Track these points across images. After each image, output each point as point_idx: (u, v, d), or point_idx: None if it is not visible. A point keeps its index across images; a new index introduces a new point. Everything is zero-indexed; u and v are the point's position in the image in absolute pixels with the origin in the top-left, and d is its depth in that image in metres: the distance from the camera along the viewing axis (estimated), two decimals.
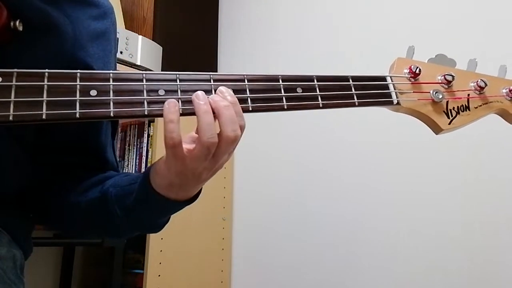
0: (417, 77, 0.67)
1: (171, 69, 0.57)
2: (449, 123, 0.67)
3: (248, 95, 0.58)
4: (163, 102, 0.53)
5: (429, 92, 0.67)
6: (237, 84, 0.58)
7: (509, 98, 0.71)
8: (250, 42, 2.05)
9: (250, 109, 0.57)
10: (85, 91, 0.51)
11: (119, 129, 1.77)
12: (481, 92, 0.70)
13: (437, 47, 0.76)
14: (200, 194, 0.61)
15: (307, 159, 1.72)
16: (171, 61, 1.83)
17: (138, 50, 1.66)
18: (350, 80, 0.64)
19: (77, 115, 0.50)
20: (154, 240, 1.52)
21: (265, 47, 1.98)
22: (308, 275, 1.63)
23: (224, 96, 0.54)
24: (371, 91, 0.64)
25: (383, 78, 0.66)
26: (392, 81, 0.66)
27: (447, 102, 0.68)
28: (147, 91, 0.54)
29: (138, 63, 1.65)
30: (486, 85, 0.69)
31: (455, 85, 0.69)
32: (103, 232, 0.73)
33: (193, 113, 0.53)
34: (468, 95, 0.69)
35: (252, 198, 1.85)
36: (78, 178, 0.68)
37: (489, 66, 0.74)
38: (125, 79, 0.54)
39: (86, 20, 0.68)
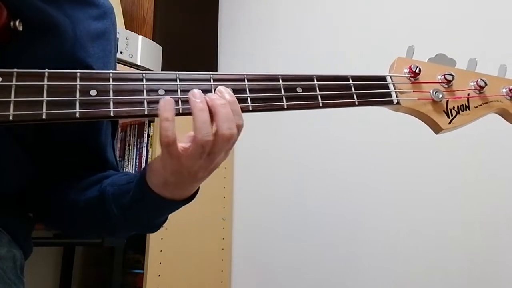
0: (417, 77, 0.67)
1: (171, 69, 0.57)
2: (449, 123, 0.67)
3: (248, 94, 0.58)
4: None
5: (429, 92, 0.67)
6: (237, 84, 0.58)
7: (509, 98, 0.71)
8: (250, 42, 2.05)
9: (250, 108, 0.57)
10: (85, 91, 0.51)
11: (119, 129, 1.77)
12: (481, 91, 0.70)
13: (437, 47, 0.76)
14: (198, 194, 0.61)
15: (307, 159, 1.71)
16: (171, 61, 1.83)
17: (138, 50, 1.66)
18: (350, 80, 0.64)
19: (77, 115, 0.50)
20: (154, 240, 1.52)
21: (265, 47, 1.98)
22: (308, 275, 1.62)
23: (223, 95, 0.54)
24: (371, 91, 0.64)
25: (383, 78, 0.66)
26: (392, 81, 0.66)
27: (447, 101, 0.68)
28: (147, 91, 0.54)
29: (138, 63, 1.65)
30: (486, 84, 0.69)
31: (455, 85, 0.69)
32: (101, 231, 0.73)
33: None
34: (468, 94, 0.69)
35: (252, 198, 1.85)
36: (78, 178, 0.68)
37: (489, 66, 0.74)
38: (125, 79, 0.54)
39: (86, 20, 0.68)
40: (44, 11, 0.61)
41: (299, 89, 0.60)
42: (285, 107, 0.59)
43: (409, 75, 0.67)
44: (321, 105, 0.61)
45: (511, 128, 0.74)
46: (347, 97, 0.63)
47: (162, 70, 1.74)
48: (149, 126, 1.68)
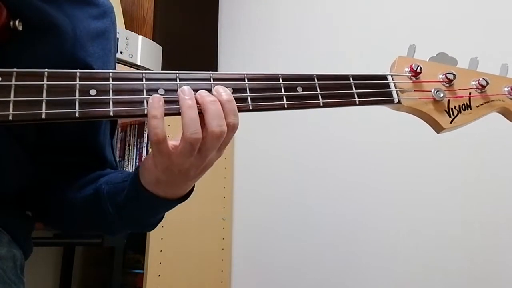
0: (418, 76, 0.67)
1: (171, 69, 0.56)
2: (451, 122, 0.66)
3: (248, 94, 0.57)
4: None
5: (430, 91, 0.67)
6: (237, 83, 0.57)
7: (511, 97, 0.71)
8: (250, 42, 2.04)
9: (250, 108, 0.57)
10: (84, 91, 0.51)
11: (119, 129, 1.77)
12: (483, 90, 0.69)
13: (437, 47, 0.75)
14: (197, 194, 0.61)
15: (307, 158, 1.71)
16: (171, 61, 1.83)
17: (138, 50, 1.66)
18: (351, 79, 0.63)
19: (77, 115, 0.50)
20: (154, 240, 1.52)
21: (265, 47, 1.98)
22: (308, 275, 1.62)
23: (219, 94, 0.54)
24: (371, 90, 0.64)
25: (384, 77, 0.66)
26: (393, 80, 0.66)
27: (449, 100, 0.67)
28: (147, 91, 0.54)
29: (138, 63, 1.65)
30: (487, 83, 0.69)
31: (456, 84, 0.68)
32: (99, 230, 0.73)
33: None
34: (470, 93, 0.69)
35: (252, 198, 1.84)
36: (77, 177, 0.68)
37: (489, 65, 0.74)
38: (124, 78, 0.54)
39: (86, 20, 0.68)
40: (43, 11, 0.61)
41: (299, 89, 0.60)
42: (286, 106, 0.59)
43: (410, 74, 0.67)
44: (321, 104, 0.61)
45: None
46: (347, 97, 0.62)
47: (162, 70, 1.74)
48: None
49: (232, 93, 0.55)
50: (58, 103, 0.49)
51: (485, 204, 1.31)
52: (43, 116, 0.48)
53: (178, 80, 0.55)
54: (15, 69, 0.49)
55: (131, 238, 1.59)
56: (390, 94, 0.65)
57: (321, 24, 1.80)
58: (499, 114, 0.73)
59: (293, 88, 0.60)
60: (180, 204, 0.61)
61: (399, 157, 1.49)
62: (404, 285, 1.42)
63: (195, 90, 0.54)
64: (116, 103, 0.52)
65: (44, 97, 0.49)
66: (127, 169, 1.70)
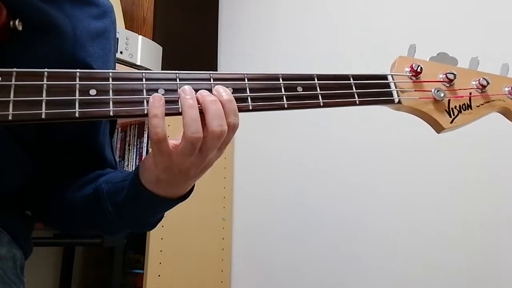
0: (419, 76, 0.67)
1: (171, 69, 0.56)
2: (451, 122, 0.66)
3: (248, 94, 0.57)
4: None
5: (431, 91, 0.67)
6: (237, 83, 0.57)
7: (511, 97, 0.70)
8: (250, 42, 2.04)
9: (250, 108, 0.57)
10: (84, 91, 0.51)
11: (119, 129, 1.77)
12: (483, 90, 0.69)
13: (437, 46, 0.75)
14: (197, 194, 0.61)
15: (307, 159, 1.71)
16: (171, 61, 1.83)
17: (138, 50, 1.66)
18: (351, 79, 0.63)
19: (77, 115, 0.50)
20: (154, 240, 1.52)
21: (265, 47, 1.98)
22: (308, 275, 1.62)
23: (219, 94, 0.54)
24: (372, 90, 0.64)
25: (384, 77, 0.66)
26: (393, 80, 0.66)
27: (449, 100, 0.67)
28: (147, 90, 0.53)
29: (138, 63, 1.65)
30: (488, 83, 0.69)
31: (456, 84, 0.68)
32: (99, 229, 0.73)
33: None
34: (470, 93, 0.69)
35: (252, 198, 1.84)
36: (76, 176, 0.68)
37: (490, 65, 0.74)
38: (124, 78, 0.54)
39: (86, 19, 0.68)
40: (43, 11, 0.61)
41: (299, 88, 0.60)
42: (286, 106, 0.59)
43: (411, 74, 0.67)
44: (321, 104, 0.60)
45: None
46: (348, 96, 0.62)
47: (162, 70, 1.74)
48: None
49: (232, 93, 0.55)
50: (58, 103, 0.49)
51: (485, 204, 1.31)
52: (43, 116, 0.48)
53: (178, 80, 0.55)
54: (15, 69, 0.49)
55: (131, 238, 1.59)
56: (390, 94, 0.65)
57: (321, 24, 1.80)
58: (500, 114, 0.73)
59: (293, 88, 0.60)
60: (180, 204, 0.61)
61: (399, 157, 1.49)
62: (404, 285, 1.42)
63: (196, 90, 0.54)
64: (116, 103, 0.52)
65: (44, 97, 0.49)
66: (127, 169, 1.70)
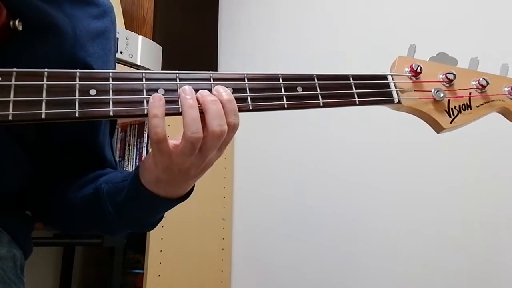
0: (418, 76, 0.67)
1: (171, 69, 0.56)
2: (451, 122, 0.66)
3: (248, 94, 0.57)
4: None
5: (431, 91, 0.67)
6: (237, 83, 0.57)
7: (511, 97, 0.70)
8: (250, 42, 2.04)
9: (250, 108, 0.57)
10: (84, 91, 0.51)
11: (119, 129, 1.77)
12: (483, 90, 0.69)
13: (437, 47, 0.75)
14: (197, 194, 0.61)
15: (307, 159, 1.71)
16: (171, 61, 1.83)
17: (138, 50, 1.66)
18: (351, 79, 0.63)
19: (77, 115, 0.50)
20: (154, 240, 1.52)
21: (265, 47, 1.98)
22: (308, 275, 1.62)
23: (219, 94, 0.54)
24: (372, 90, 0.64)
25: (384, 77, 0.66)
26: (393, 80, 0.66)
27: (449, 100, 0.67)
28: (147, 90, 0.53)
29: (138, 63, 1.65)
30: (488, 83, 0.69)
31: (456, 84, 0.68)
32: (99, 229, 0.73)
33: None
34: (470, 93, 0.69)
35: (252, 198, 1.84)
36: (76, 176, 0.68)
37: (489, 65, 0.74)
38: (124, 78, 0.54)
39: (85, 19, 0.68)
40: (43, 11, 0.61)
41: (299, 88, 0.60)
42: (286, 106, 0.59)
43: (410, 74, 0.67)
44: (321, 104, 0.60)
45: None
46: (348, 96, 0.62)
47: (162, 70, 1.74)
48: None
49: (232, 93, 0.55)
50: (58, 103, 0.49)
51: (485, 204, 1.31)
52: (43, 116, 0.48)
53: (178, 80, 0.55)
54: (15, 69, 0.49)
55: (131, 238, 1.59)
56: (390, 94, 0.65)
57: (321, 24, 1.80)
58: (499, 114, 0.73)
59: (293, 88, 0.60)
60: (180, 204, 0.61)
61: (399, 157, 1.49)
62: (404, 285, 1.42)
63: (196, 90, 0.54)
64: (116, 103, 0.52)
65: (44, 97, 0.49)
66: (127, 169, 1.70)
